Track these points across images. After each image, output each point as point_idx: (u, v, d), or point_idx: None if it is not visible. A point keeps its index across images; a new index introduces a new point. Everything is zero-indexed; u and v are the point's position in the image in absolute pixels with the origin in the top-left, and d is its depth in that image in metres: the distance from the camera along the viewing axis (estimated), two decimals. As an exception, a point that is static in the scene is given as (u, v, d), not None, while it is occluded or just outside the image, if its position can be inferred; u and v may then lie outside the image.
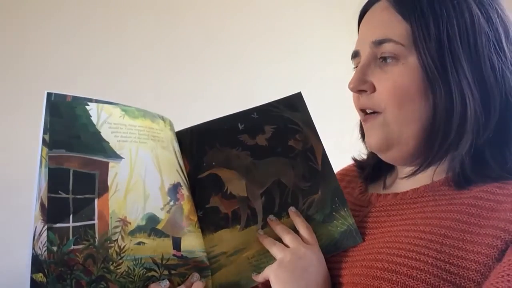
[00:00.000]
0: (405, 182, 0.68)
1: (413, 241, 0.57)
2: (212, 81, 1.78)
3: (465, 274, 0.52)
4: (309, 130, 0.71)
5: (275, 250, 0.63)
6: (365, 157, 0.79)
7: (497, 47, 0.60)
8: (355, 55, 0.68)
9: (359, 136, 0.77)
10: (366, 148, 0.77)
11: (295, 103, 0.72)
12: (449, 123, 0.59)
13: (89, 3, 1.70)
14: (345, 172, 0.83)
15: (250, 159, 0.69)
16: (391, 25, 0.62)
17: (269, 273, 0.61)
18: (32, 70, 1.57)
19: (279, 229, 0.66)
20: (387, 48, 0.61)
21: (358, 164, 0.80)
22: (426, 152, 0.62)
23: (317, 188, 0.68)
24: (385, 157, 0.67)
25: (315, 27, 1.95)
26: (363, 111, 0.66)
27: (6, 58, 1.58)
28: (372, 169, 0.76)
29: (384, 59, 0.62)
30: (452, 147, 0.60)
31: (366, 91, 0.64)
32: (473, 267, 0.52)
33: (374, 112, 0.64)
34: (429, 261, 0.54)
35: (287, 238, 0.64)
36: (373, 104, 0.64)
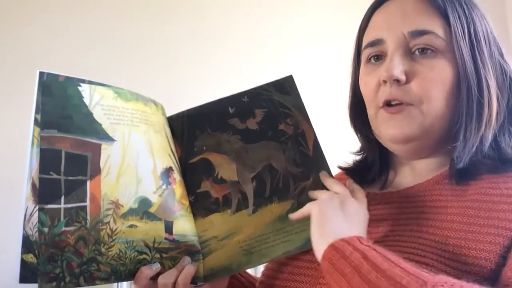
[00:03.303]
0: (402, 180, 0.70)
1: (417, 240, 0.58)
2: (205, 80, 1.78)
3: (468, 269, 0.54)
4: (300, 115, 0.70)
5: (323, 194, 0.63)
6: (350, 162, 0.78)
7: (501, 54, 0.66)
8: (377, 43, 0.65)
9: (354, 129, 0.76)
10: (366, 139, 0.75)
11: (286, 86, 0.71)
12: (481, 116, 0.62)
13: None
14: (339, 176, 0.81)
15: (241, 143, 0.70)
16: (431, 18, 0.63)
17: (312, 207, 0.60)
18: (27, 67, 1.55)
19: (329, 181, 0.66)
20: (427, 40, 0.62)
21: (348, 170, 0.78)
22: (446, 143, 0.64)
23: (308, 174, 0.68)
24: (401, 148, 0.66)
25: (312, 26, 1.95)
26: (386, 102, 0.64)
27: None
28: (368, 172, 0.75)
29: (421, 50, 0.62)
30: (476, 138, 0.62)
31: (399, 81, 0.62)
32: (476, 263, 0.54)
33: (400, 104, 0.63)
34: (434, 258, 0.56)
35: (337, 187, 0.63)
36: (406, 95, 0.62)
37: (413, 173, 0.69)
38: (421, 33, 0.62)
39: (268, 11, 1.91)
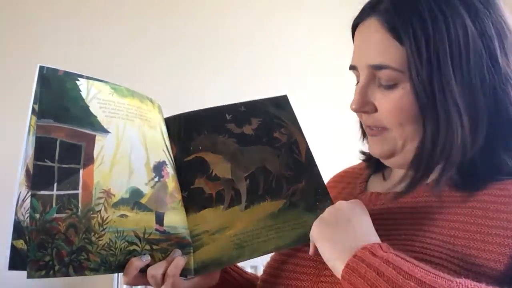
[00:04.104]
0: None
1: (424, 239, 0.58)
2: (206, 83, 1.81)
3: (478, 270, 0.54)
4: (293, 127, 0.73)
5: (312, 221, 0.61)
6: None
7: (489, 63, 0.59)
8: (354, 68, 0.67)
9: (360, 136, 0.76)
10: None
11: (281, 103, 0.75)
12: (434, 150, 0.60)
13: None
14: (344, 174, 0.83)
15: (236, 145, 0.71)
16: (387, 50, 0.61)
17: (312, 235, 0.59)
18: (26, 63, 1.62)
19: None
20: (386, 74, 0.61)
21: (367, 156, 0.78)
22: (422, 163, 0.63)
23: (300, 177, 0.70)
24: (387, 162, 0.68)
25: (313, 28, 1.99)
26: (366, 126, 0.67)
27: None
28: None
29: (384, 81, 0.62)
30: (437, 161, 0.60)
31: (367, 111, 0.64)
32: (485, 264, 0.54)
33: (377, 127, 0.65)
34: (443, 257, 0.55)
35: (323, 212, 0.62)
36: (377, 123, 0.64)
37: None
38: (379, 67, 0.62)
39: (272, 12, 1.95)
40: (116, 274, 1.65)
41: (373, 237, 0.57)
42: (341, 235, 0.56)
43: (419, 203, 0.64)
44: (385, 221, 0.64)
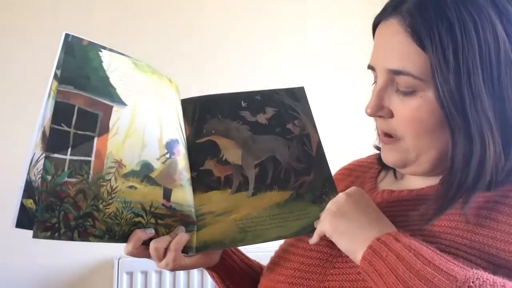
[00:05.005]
0: (418, 177, 0.67)
1: (440, 235, 0.57)
2: (213, 80, 1.83)
3: (497, 271, 0.51)
4: (307, 120, 0.73)
5: (323, 215, 0.62)
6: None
7: None
8: (372, 68, 0.64)
9: (376, 137, 0.73)
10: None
11: (297, 94, 0.75)
12: (468, 164, 0.56)
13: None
14: (352, 167, 0.82)
15: (249, 133, 0.72)
16: (408, 56, 0.57)
17: (323, 226, 0.59)
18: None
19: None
20: (404, 80, 0.58)
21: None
22: (442, 184, 0.60)
23: (309, 170, 0.70)
24: (401, 171, 0.67)
25: (319, 26, 1.99)
26: (380, 131, 0.65)
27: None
28: None
29: (402, 87, 0.59)
30: (469, 186, 0.57)
31: (383, 116, 0.62)
32: (504, 265, 0.52)
33: (392, 136, 0.63)
34: (459, 254, 0.54)
35: (327, 205, 0.62)
36: (392, 129, 0.62)
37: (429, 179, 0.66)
38: (397, 72, 0.59)
39: (272, 7, 1.96)
40: (116, 275, 1.69)
41: (391, 226, 0.58)
42: (356, 225, 0.57)
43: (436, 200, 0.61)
44: (397, 217, 0.62)
